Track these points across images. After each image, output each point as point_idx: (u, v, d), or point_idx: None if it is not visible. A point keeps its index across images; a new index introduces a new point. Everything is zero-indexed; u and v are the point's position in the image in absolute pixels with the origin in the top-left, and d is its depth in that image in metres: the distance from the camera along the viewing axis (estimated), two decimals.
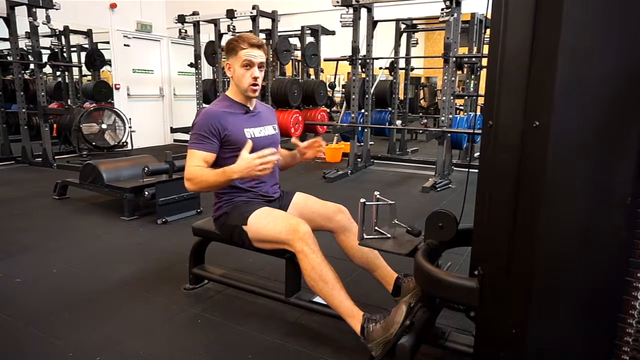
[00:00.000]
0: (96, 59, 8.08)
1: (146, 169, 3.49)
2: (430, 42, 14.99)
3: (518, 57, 1.17)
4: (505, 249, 1.24)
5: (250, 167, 1.69)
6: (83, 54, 8.66)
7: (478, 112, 6.63)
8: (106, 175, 3.71)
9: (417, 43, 7.08)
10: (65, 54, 8.13)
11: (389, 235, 1.75)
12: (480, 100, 8.20)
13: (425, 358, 1.73)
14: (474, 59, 5.94)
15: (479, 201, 1.36)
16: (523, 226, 1.18)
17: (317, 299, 1.96)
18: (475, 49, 6.17)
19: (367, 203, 1.69)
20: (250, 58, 1.88)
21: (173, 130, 6.99)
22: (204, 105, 7.11)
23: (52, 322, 2.01)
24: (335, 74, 9.26)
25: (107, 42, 8.02)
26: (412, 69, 7.46)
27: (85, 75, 9.09)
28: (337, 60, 6.46)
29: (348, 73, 14.57)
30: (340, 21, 5.22)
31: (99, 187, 3.78)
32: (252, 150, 1.75)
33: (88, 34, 8.10)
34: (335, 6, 5.21)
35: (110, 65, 8.24)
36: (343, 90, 13.09)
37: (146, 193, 3.44)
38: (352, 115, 5.62)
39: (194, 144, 1.87)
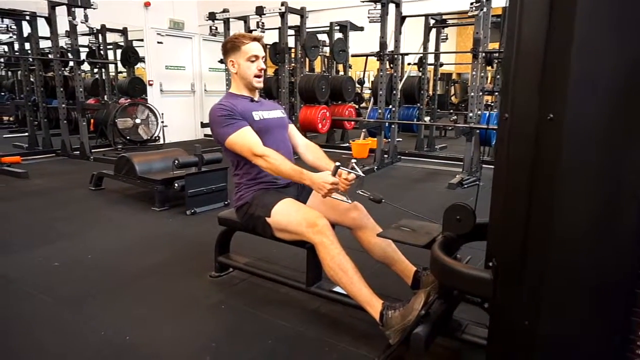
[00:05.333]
0: (131, 56, 8.37)
1: (176, 161, 3.61)
2: (461, 38, 14.73)
3: (533, 50, 1.17)
4: (519, 241, 1.25)
5: (323, 185, 1.78)
6: (118, 52, 9.00)
7: None
8: (139, 168, 3.86)
9: (446, 38, 6.99)
10: (102, 52, 8.46)
11: (408, 229, 1.78)
12: None
13: (443, 350, 1.75)
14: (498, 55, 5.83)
15: (494, 194, 1.37)
16: (537, 218, 1.19)
17: (337, 289, 2.00)
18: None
19: (341, 167, 1.81)
20: (255, 52, 2.03)
21: (203, 125, 7.16)
22: None
23: (87, 303, 2.14)
24: (365, 70, 9.25)
25: (141, 40, 8.30)
26: (442, 64, 7.38)
27: (121, 72, 9.42)
28: (366, 55, 6.47)
29: (378, 69, 14.60)
30: (368, 17, 5.23)
31: (132, 179, 3.94)
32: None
33: (123, 32, 8.39)
34: (364, 1, 5.21)
35: (144, 62, 8.54)
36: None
37: (176, 185, 3.56)
38: (380, 111, 5.62)
39: (231, 126, 1.94)
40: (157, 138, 7.29)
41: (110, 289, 2.30)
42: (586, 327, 1.17)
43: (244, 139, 1.94)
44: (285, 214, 1.90)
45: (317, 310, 2.07)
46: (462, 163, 5.37)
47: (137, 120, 7.02)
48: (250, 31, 6.93)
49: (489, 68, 5.45)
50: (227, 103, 2.01)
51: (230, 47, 2.05)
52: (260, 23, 6.17)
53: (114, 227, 3.31)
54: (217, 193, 3.76)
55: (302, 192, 2.14)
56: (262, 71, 2.08)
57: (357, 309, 1.90)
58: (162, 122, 7.18)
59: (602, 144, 1.06)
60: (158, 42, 7.59)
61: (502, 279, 1.30)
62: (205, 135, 8.54)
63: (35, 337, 1.85)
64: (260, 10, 6.16)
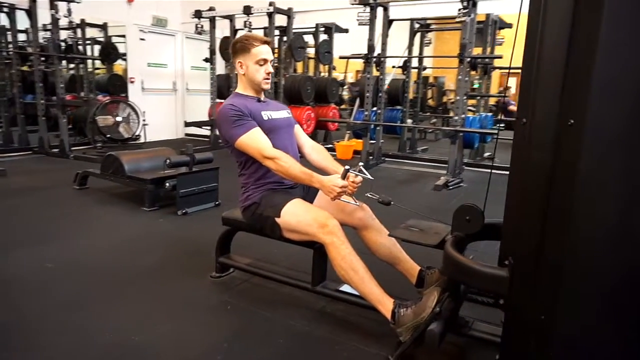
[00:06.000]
0: (111, 52, 8.17)
1: (168, 160, 3.57)
2: (440, 42, 14.96)
3: (554, 55, 1.23)
4: (536, 241, 1.31)
5: (333, 189, 1.81)
6: (96, 47, 8.77)
7: (489, 113, 6.68)
8: (127, 167, 3.79)
9: (430, 42, 7.12)
10: (80, 47, 8.23)
11: (416, 229, 1.83)
12: (492, 101, 8.24)
13: (451, 346, 1.80)
14: (487, 60, 5.99)
15: (510, 195, 1.43)
16: (555, 219, 1.24)
17: (344, 288, 2.04)
18: (488, 49, 6.21)
19: (350, 170, 1.85)
20: (265, 56, 2.05)
21: (187, 124, 7.06)
22: (218, 100, 7.18)
23: (88, 305, 2.09)
24: (345, 72, 9.31)
25: (121, 36, 8.12)
26: (425, 68, 7.51)
27: (98, 68, 9.19)
28: (349, 58, 6.52)
29: (357, 71, 14.67)
30: (357, 19, 5.29)
31: (120, 178, 3.86)
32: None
33: (103, 27, 8.18)
34: (353, 4, 5.27)
35: (123, 58, 8.36)
36: (353, 88, 13.17)
37: (167, 184, 3.51)
38: (366, 113, 5.68)
39: (241, 127, 1.95)
40: (137, 137, 7.16)
41: (109, 290, 2.26)
42: (602, 324, 1.23)
43: (255, 141, 1.94)
44: (295, 215, 1.91)
45: (322, 310, 2.09)
46: (444, 165, 5.50)
47: (118, 118, 6.87)
48: (236, 30, 6.90)
49: (473, 73, 5.58)
50: (238, 103, 2.00)
51: (240, 48, 2.05)
52: (247, 22, 6.14)
53: (104, 228, 3.24)
54: (208, 193, 3.73)
55: (308, 192, 2.15)
56: (270, 74, 2.09)
57: (363, 308, 1.94)
58: (144, 120, 7.04)
59: (623, 148, 1.12)
60: (140, 39, 7.46)
61: (518, 277, 1.35)
62: (187, 134, 8.43)
63: (40, 339, 1.80)
64: (247, 10, 6.14)
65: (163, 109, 8.02)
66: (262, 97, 2.16)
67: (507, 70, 8.71)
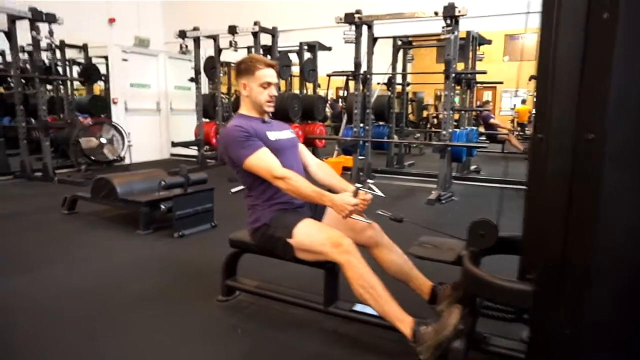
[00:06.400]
0: (92, 73, 8.06)
1: (163, 182, 3.51)
2: (417, 58, 15.30)
3: (569, 71, 1.26)
4: (559, 255, 1.33)
5: (345, 207, 1.81)
6: (74, 68, 8.65)
7: (473, 127, 6.82)
8: (120, 189, 3.71)
9: (412, 59, 7.27)
10: (59, 68, 8.09)
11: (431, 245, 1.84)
12: (473, 115, 8.42)
13: None
14: (469, 75, 6.14)
15: (528, 210, 1.45)
16: (578, 233, 1.27)
17: (357, 307, 2.02)
18: (470, 65, 6.36)
19: (361, 188, 1.85)
20: (268, 79, 2.04)
21: (174, 144, 6.98)
22: (205, 119, 7.14)
23: (91, 334, 2.02)
24: (327, 89, 9.40)
25: (101, 57, 8.05)
26: (408, 84, 7.65)
27: (77, 90, 9.05)
28: (336, 75, 6.59)
29: (337, 88, 14.85)
30: (343, 37, 5.36)
31: (112, 201, 3.78)
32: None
33: (84, 48, 8.09)
34: (339, 23, 5.35)
35: (102, 80, 8.26)
36: (335, 105, 13.30)
37: (162, 207, 3.45)
38: (355, 129, 5.73)
39: (248, 149, 1.93)
40: (122, 158, 7.03)
41: (113, 316, 2.19)
42: (628, 337, 1.26)
43: (264, 161, 1.93)
44: (308, 235, 1.90)
45: (335, 331, 2.07)
46: (433, 179, 5.58)
47: (102, 140, 6.75)
48: (221, 50, 6.91)
49: (457, 87, 5.72)
50: (244, 124, 2.00)
51: (244, 69, 2.06)
52: (233, 42, 6.16)
53: (100, 252, 3.15)
54: (204, 214, 3.68)
55: (316, 211, 2.15)
56: (273, 97, 2.09)
57: (378, 327, 1.93)
58: (129, 141, 6.93)
59: None
60: (123, 60, 7.39)
61: (542, 291, 1.36)
62: (172, 154, 8.33)
63: None
64: (233, 29, 6.16)
65: (147, 130, 7.92)
66: (266, 118, 2.16)
67: (486, 85, 8.97)
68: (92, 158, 6.64)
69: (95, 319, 2.15)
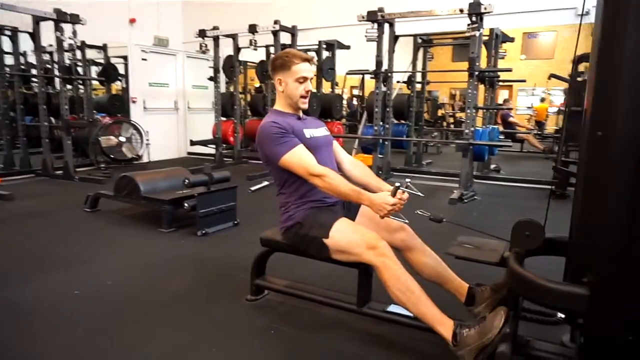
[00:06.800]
0: (111, 73, 8.12)
1: (186, 180, 3.50)
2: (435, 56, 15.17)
3: (636, 68, 1.21)
4: (619, 257, 1.27)
5: (384, 206, 1.76)
6: (93, 68, 8.73)
7: (494, 125, 6.71)
8: (143, 187, 3.71)
9: (432, 57, 7.19)
10: (79, 68, 8.17)
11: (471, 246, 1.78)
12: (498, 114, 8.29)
13: None
14: (491, 73, 6.02)
15: (583, 210, 1.39)
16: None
17: (391, 308, 1.97)
18: (492, 62, 6.26)
19: (400, 187, 1.79)
20: (305, 74, 1.99)
21: (193, 143, 6.99)
22: (223, 118, 7.14)
23: (123, 333, 2.00)
24: (343, 88, 9.34)
25: (119, 57, 8.10)
26: (428, 82, 7.56)
27: (95, 89, 9.12)
28: (358, 73, 6.53)
29: (351, 87, 14.77)
30: (366, 35, 5.31)
31: (136, 199, 3.77)
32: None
33: (103, 48, 8.16)
34: (361, 21, 5.29)
35: (120, 79, 8.32)
36: (353, 103, 13.24)
37: (186, 205, 3.44)
38: (375, 128, 5.67)
39: (284, 146, 1.89)
40: (140, 156, 7.07)
41: (143, 315, 2.17)
42: None
43: (300, 158, 1.89)
44: (345, 235, 1.85)
45: (369, 332, 2.02)
46: (452, 178, 5.50)
47: (122, 138, 6.81)
48: (239, 49, 6.90)
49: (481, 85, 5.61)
50: (280, 120, 1.96)
51: (280, 64, 2.01)
52: (253, 41, 6.14)
53: (125, 251, 3.14)
54: (226, 212, 3.65)
55: (350, 210, 2.10)
56: (309, 93, 2.04)
57: (412, 328, 1.88)
58: (147, 140, 6.97)
59: None
60: (142, 59, 7.42)
61: (600, 294, 1.30)
62: (190, 153, 8.36)
63: None
64: (253, 28, 6.15)
65: (165, 128, 7.95)
66: (301, 115, 2.11)
67: (502, 84, 8.82)
68: (112, 156, 6.70)
69: (121, 319, 2.13)
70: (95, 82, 8.65)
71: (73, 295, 2.38)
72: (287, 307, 2.26)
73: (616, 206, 1.28)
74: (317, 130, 2.09)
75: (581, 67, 7.82)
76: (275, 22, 6.09)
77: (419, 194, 1.87)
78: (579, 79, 7.61)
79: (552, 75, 8.89)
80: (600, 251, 1.31)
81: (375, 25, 5.28)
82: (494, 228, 2.16)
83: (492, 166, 6.83)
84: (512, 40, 6.73)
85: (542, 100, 13.47)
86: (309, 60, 2.02)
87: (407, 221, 1.93)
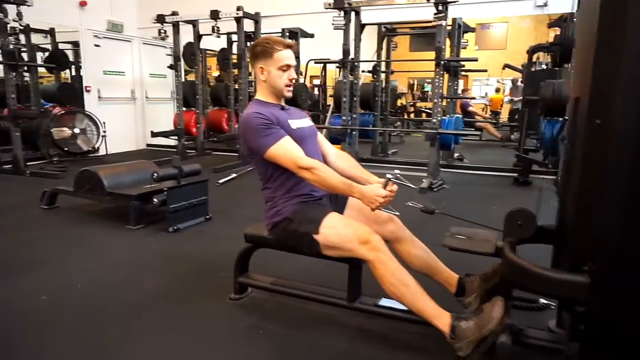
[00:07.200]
0: (61, 60, 7.60)
1: (155, 174, 3.32)
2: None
3: (636, 56, 1.21)
4: (620, 245, 1.29)
5: (375, 199, 1.71)
6: (39, 54, 8.14)
7: (457, 115, 6.85)
8: (107, 182, 3.49)
9: (396, 47, 7.21)
10: (25, 54, 7.60)
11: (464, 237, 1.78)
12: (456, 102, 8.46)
13: None
14: (456, 63, 6.12)
15: (583, 197, 1.40)
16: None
17: (382, 302, 1.95)
18: (454, 52, 6.36)
19: (392, 180, 1.77)
20: (288, 62, 1.91)
21: (154, 135, 6.68)
22: (185, 108, 6.88)
23: (101, 339, 1.87)
24: (305, 77, 9.23)
25: (69, 42, 7.59)
26: (392, 72, 7.60)
27: (42, 77, 8.54)
28: (324, 62, 6.46)
29: (311, 76, 14.66)
30: (333, 23, 5.23)
31: (99, 195, 3.55)
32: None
33: (50, 33, 7.61)
34: (328, 9, 5.21)
35: (69, 67, 7.80)
36: (314, 93, 13.13)
37: (155, 200, 3.27)
38: (344, 117, 5.64)
39: (271, 136, 1.81)
40: (96, 149, 6.70)
41: (121, 319, 2.04)
42: None
43: (288, 150, 1.82)
44: (336, 231, 1.79)
45: (360, 327, 1.99)
46: (418, 167, 5.58)
47: (76, 130, 6.42)
48: (201, 36, 6.65)
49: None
50: (264, 111, 1.87)
51: (261, 52, 1.91)
52: (216, 28, 5.92)
53: (92, 250, 2.95)
54: (198, 207, 3.51)
55: (337, 203, 2.05)
56: (293, 81, 1.96)
57: (404, 322, 1.87)
58: (104, 131, 6.61)
59: None
60: (95, 45, 6.99)
61: (602, 282, 1.32)
62: (149, 145, 8.01)
63: None
64: (215, 15, 5.92)
65: (122, 119, 7.57)
66: (284, 105, 2.03)
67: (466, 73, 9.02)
68: (65, 149, 6.31)
69: (99, 325, 1.99)
70: (41, 70, 8.10)
71: (41, 301, 2.20)
72: (272, 304, 2.19)
73: (615, 194, 1.29)
74: (302, 121, 2.02)
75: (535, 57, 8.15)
76: (239, 8, 5.90)
77: (410, 185, 1.85)
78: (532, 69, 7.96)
79: (507, 66, 9.21)
80: (600, 239, 1.33)
81: (342, 13, 5.21)
82: (465, 216, 2.20)
83: (456, 155, 6.98)
84: (473, 30, 6.87)
85: (497, 90, 13.91)
86: (291, 46, 1.94)
87: (397, 213, 1.91)
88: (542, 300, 2.18)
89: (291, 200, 1.92)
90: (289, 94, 1.97)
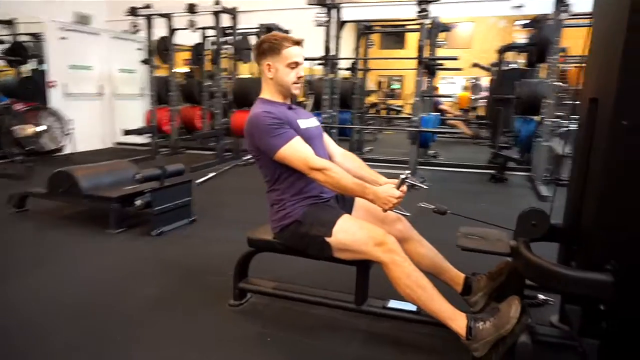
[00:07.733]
0: (21, 53, 7.17)
1: (137, 175, 3.16)
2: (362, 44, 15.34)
3: None
4: None
5: (389, 200, 1.68)
6: None
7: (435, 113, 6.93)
8: (84, 184, 3.30)
9: (373, 44, 7.22)
10: None
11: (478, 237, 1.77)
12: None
13: None
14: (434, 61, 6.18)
15: (605, 198, 1.41)
16: None
17: (391, 304, 1.91)
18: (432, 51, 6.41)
19: (406, 180, 1.75)
20: (297, 59, 1.85)
21: (127, 132, 6.39)
22: (159, 105, 6.64)
23: (99, 351, 1.75)
24: None
25: (31, 34, 7.17)
26: (369, 70, 7.60)
27: (1, 71, 8.05)
28: (307, 60, 6.37)
29: None
30: (315, 20, 5.16)
31: (75, 198, 3.35)
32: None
33: (9, 23, 7.17)
34: (309, 5, 5.14)
35: (31, 59, 7.35)
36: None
37: (137, 202, 3.11)
38: (324, 115, 5.59)
39: (280, 138, 1.75)
40: (62, 147, 6.37)
41: (117, 330, 1.91)
42: None
43: (299, 151, 1.75)
44: (349, 233, 1.74)
45: (369, 330, 1.95)
46: (395, 165, 5.61)
47: (40, 128, 6.07)
48: (173, 30, 6.43)
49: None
50: (273, 110, 1.79)
51: (268, 48, 1.84)
52: (192, 22, 5.73)
53: (74, 257, 2.77)
54: (182, 209, 3.38)
55: (344, 205, 2.00)
56: (301, 79, 1.89)
57: (413, 323, 1.85)
58: (71, 129, 6.28)
59: None
60: (61, 38, 6.62)
61: (627, 281, 1.33)
62: (118, 143, 7.69)
63: None
64: (192, 8, 5.73)
65: (90, 116, 7.21)
66: (291, 104, 1.96)
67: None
68: (28, 148, 5.96)
69: (92, 337, 1.87)
70: (0, 63, 7.62)
71: (22, 311, 2.04)
72: (274, 310, 2.12)
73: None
74: (309, 121, 1.96)
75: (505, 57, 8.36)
76: (217, 2, 5.73)
77: (422, 186, 1.82)
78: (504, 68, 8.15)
79: (475, 65, 9.40)
80: (625, 239, 1.34)
81: (325, 10, 5.15)
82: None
83: (431, 152, 7.06)
84: (449, 29, 6.95)
85: (465, 88, 14.22)
86: (299, 43, 1.87)
87: (409, 214, 1.87)
88: (541, 296, 2.21)
89: (301, 202, 1.86)
90: (297, 92, 1.92)
